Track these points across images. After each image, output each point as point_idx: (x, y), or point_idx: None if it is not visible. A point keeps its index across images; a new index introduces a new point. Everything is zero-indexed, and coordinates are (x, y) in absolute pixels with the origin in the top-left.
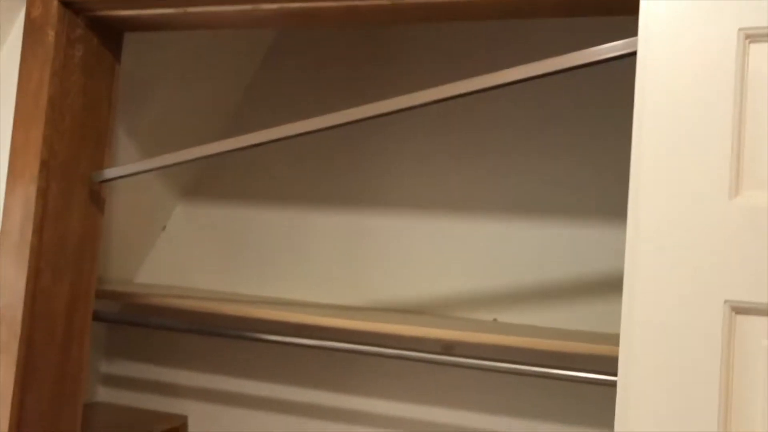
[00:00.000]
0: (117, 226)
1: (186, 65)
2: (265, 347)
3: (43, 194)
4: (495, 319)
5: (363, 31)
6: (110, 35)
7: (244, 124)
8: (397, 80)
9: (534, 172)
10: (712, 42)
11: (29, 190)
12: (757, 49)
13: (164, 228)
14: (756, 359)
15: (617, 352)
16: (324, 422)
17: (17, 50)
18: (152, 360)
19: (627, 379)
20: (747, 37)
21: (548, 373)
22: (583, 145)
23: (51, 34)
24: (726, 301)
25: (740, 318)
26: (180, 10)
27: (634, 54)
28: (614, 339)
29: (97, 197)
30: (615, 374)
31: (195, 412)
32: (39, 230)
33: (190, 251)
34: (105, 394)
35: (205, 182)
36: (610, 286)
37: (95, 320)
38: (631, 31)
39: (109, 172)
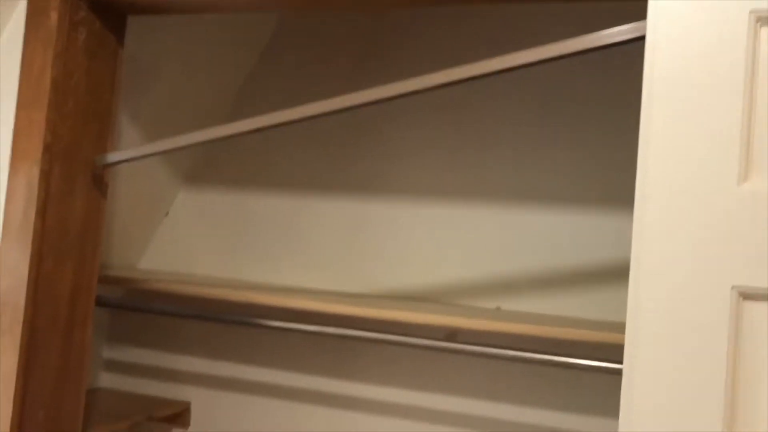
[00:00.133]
0: (120, 212)
1: (189, 51)
2: (267, 333)
3: (46, 177)
4: (498, 307)
5: (366, 19)
6: (113, 18)
7: (247, 111)
8: (401, 68)
9: (538, 159)
10: (723, 25)
11: (32, 174)
12: None
13: (167, 214)
14: (762, 345)
15: (621, 339)
16: (325, 408)
17: (20, 33)
18: (155, 345)
19: (632, 367)
20: (758, 19)
21: (551, 360)
22: (587, 132)
23: (53, 17)
24: (733, 287)
25: (747, 303)
26: None
27: (642, 38)
28: (617, 327)
29: (100, 181)
30: (619, 362)
31: (197, 397)
32: (42, 214)
33: (192, 237)
34: (107, 380)
35: (208, 169)
36: (613, 274)
37: (98, 305)
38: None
39: (113, 156)
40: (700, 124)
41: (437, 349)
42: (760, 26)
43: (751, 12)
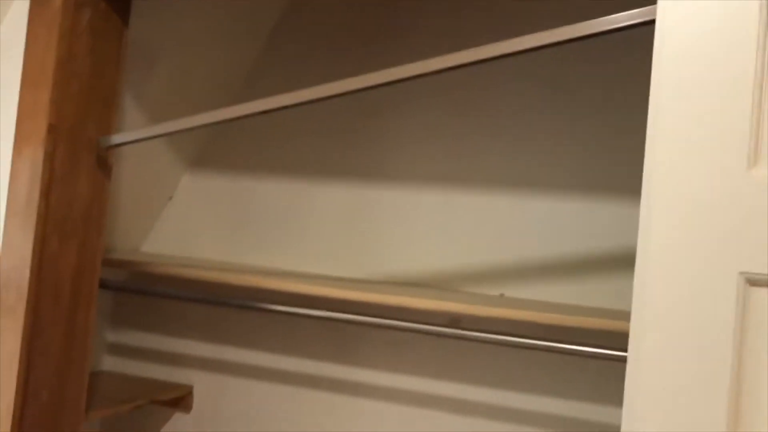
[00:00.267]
0: (124, 195)
1: (194, 33)
2: (271, 318)
3: (50, 158)
4: (502, 294)
5: (373, 2)
6: None
7: (254, 94)
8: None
9: (542, 146)
10: (735, 9)
11: (36, 154)
12: None
13: (171, 198)
14: None
15: (625, 326)
16: (329, 393)
17: (24, 13)
18: (158, 329)
19: (638, 353)
20: None
21: (555, 347)
22: (592, 119)
23: None
24: (741, 273)
25: (754, 290)
26: None
27: (652, 22)
28: (622, 315)
29: (104, 163)
30: (624, 349)
31: (200, 381)
32: (46, 194)
33: (196, 221)
34: (110, 363)
35: (212, 153)
36: (618, 261)
37: (101, 288)
38: None
39: (117, 138)
40: (710, 107)
41: (441, 335)
42: None
43: None
